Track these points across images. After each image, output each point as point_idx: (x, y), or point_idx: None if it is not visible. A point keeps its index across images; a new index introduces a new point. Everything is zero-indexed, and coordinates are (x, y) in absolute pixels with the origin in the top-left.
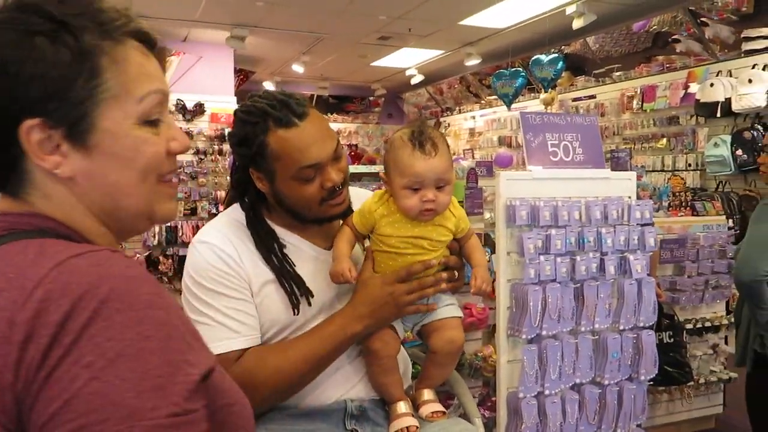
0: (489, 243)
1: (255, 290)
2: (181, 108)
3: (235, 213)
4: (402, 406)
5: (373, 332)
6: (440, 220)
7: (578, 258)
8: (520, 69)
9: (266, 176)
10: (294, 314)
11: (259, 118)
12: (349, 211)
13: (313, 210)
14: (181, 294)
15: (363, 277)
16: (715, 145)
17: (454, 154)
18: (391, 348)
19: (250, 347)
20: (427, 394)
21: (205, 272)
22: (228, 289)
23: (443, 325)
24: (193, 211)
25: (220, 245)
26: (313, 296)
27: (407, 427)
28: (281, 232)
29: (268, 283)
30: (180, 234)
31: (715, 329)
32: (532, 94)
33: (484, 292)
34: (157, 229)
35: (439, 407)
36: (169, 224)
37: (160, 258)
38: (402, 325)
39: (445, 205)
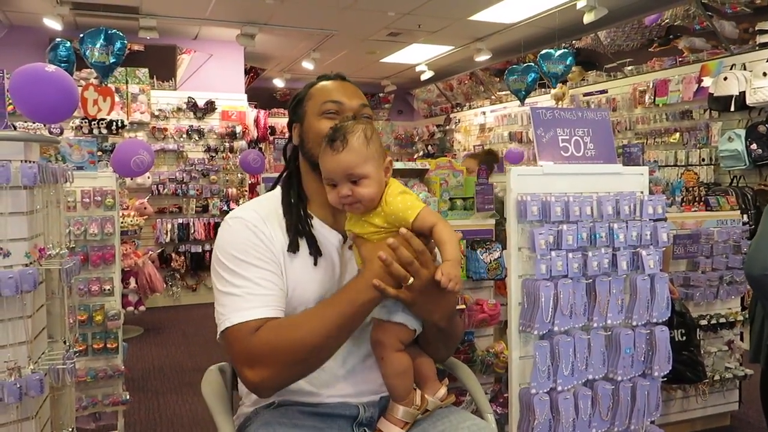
0: (500, 239)
1: (284, 266)
2: (192, 106)
3: (273, 195)
4: (398, 410)
5: (379, 325)
6: (367, 216)
7: (590, 253)
8: (532, 64)
9: (299, 121)
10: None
11: (312, 82)
12: None
13: None
14: (192, 290)
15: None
16: (729, 139)
17: (464, 149)
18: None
19: (271, 318)
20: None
21: (237, 244)
22: (257, 260)
23: None
24: (205, 209)
25: (251, 220)
26: (321, 255)
27: None
28: (315, 222)
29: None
30: (192, 231)
31: (730, 325)
32: (544, 90)
33: (451, 290)
34: (169, 226)
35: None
36: (180, 222)
37: (173, 255)
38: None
39: (369, 198)
